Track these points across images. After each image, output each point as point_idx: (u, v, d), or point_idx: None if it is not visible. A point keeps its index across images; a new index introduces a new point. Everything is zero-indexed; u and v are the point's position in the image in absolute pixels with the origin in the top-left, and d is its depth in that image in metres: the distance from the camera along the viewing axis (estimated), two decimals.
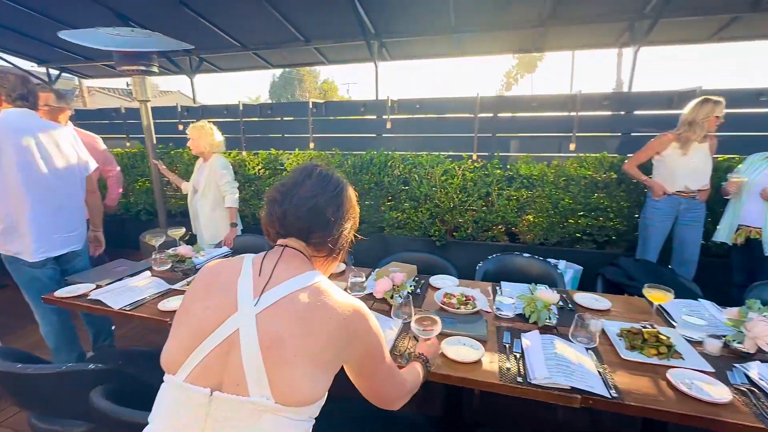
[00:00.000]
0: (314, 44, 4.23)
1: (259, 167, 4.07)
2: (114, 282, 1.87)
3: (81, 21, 3.68)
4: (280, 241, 0.86)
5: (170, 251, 2.03)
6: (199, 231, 2.94)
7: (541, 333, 1.40)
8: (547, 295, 1.49)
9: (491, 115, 3.69)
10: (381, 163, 3.57)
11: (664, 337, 1.32)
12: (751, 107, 3.12)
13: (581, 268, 3.16)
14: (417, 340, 1.28)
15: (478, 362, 1.25)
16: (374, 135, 4.03)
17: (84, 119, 5.33)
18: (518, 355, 1.29)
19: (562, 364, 1.20)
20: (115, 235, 3.76)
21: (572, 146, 3.35)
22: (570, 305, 1.67)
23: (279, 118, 4.40)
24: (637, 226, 2.94)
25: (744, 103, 3.10)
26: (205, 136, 2.78)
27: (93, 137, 2.93)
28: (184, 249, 2.02)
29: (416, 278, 1.99)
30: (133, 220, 4.57)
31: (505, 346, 1.35)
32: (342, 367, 0.79)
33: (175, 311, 1.54)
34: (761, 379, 1.15)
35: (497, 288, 1.86)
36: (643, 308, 1.65)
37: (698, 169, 2.56)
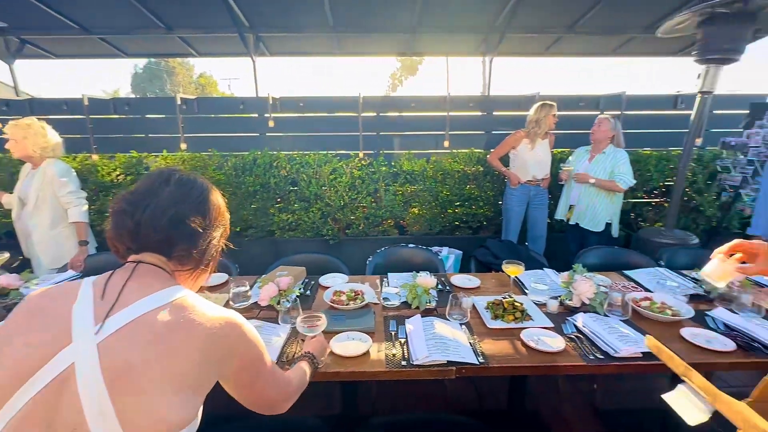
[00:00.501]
0: (178, 33, 3.78)
1: (117, 172, 3.48)
2: None
3: None
4: (132, 258, 0.75)
5: None
6: (33, 253, 2.38)
7: (423, 316, 1.52)
8: (426, 280, 1.62)
9: (374, 114, 3.83)
10: (266, 164, 3.40)
11: (519, 304, 1.55)
12: (574, 110, 3.89)
13: (461, 252, 3.52)
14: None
15: (367, 354, 1.29)
16: (256, 134, 3.82)
17: None
18: (403, 341, 1.37)
19: (440, 342, 1.32)
20: None
21: (446, 143, 3.71)
22: (448, 287, 1.85)
23: (140, 116, 3.82)
24: (501, 211, 3.41)
25: (570, 107, 3.86)
26: (33, 136, 2.25)
27: None
28: (6, 278, 1.60)
29: (305, 280, 1.95)
30: None
31: (391, 334, 1.42)
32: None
33: None
34: (584, 326, 1.44)
35: (384, 280, 1.94)
36: (505, 281, 1.91)
37: (542, 161, 3.09)
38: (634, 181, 2.82)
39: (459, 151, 3.61)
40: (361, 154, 3.68)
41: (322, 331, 1.26)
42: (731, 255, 1.00)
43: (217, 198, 0.84)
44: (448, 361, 1.23)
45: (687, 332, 1.41)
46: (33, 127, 2.26)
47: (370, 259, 2.34)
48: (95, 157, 3.55)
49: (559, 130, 3.76)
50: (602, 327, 1.42)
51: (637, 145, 3.83)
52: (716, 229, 3.47)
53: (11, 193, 2.39)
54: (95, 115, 3.70)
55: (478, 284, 1.88)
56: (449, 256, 3.48)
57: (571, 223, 3.01)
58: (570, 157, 3.12)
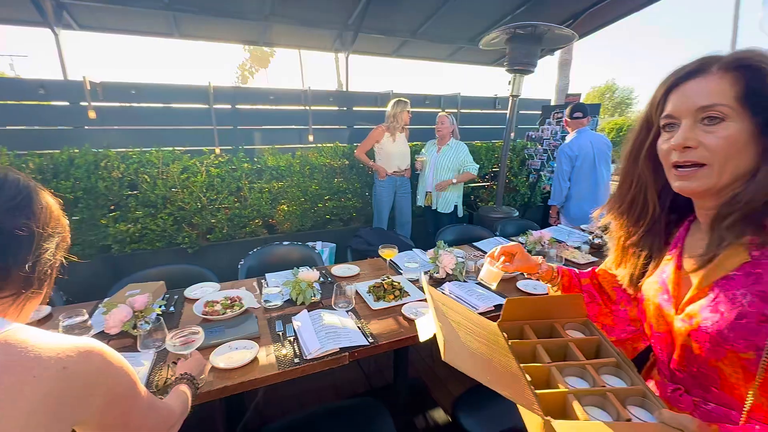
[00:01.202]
0: None
1: None
2: None
3: None
4: None
5: None
6: None
7: (309, 311, 1.50)
8: (308, 274, 1.60)
9: (229, 106, 3.51)
10: (89, 164, 2.74)
11: (396, 283, 1.69)
12: (421, 107, 4.37)
13: (335, 244, 3.58)
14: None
15: (255, 361, 1.20)
16: (70, 127, 3.03)
17: None
18: (292, 339, 1.33)
19: (330, 331, 1.33)
20: None
21: (310, 137, 3.68)
22: (330, 278, 1.86)
23: None
24: (370, 202, 3.60)
25: (418, 104, 4.32)
26: None
27: None
28: None
29: (166, 295, 1.68)
30: None
31: (278, 335, 1.36)
32: None
33: None
34: (451, 293, 1.66)
35: (262, 281, 1.83)
36: (382, 265, 2.04)
37: (403, 153, 3.38)
38: (478, 165, 3.36)
39: (324, 145, 3.63)
40: (217, 150, 3.33)
41: (198, 348, 1.12)
42: (501, 257, 1.10)
43: (47, 199, 0.65)
44: (340, 348, 1.25)
45: (520, 284, 1.78)
46: None
47: (242, 262, 2.16)
48: None
49: (410, 125, 4.19)
50: (464, 291, 1.67)
51: (471, 138, 4.57)
52: (528, 203, 4.45)
53: None
54: None
55: (358, 271, 1.95)
56: (324, 249, 3.50)
57: (432, 207, 3.40)
58: (423, 149, 3.51)
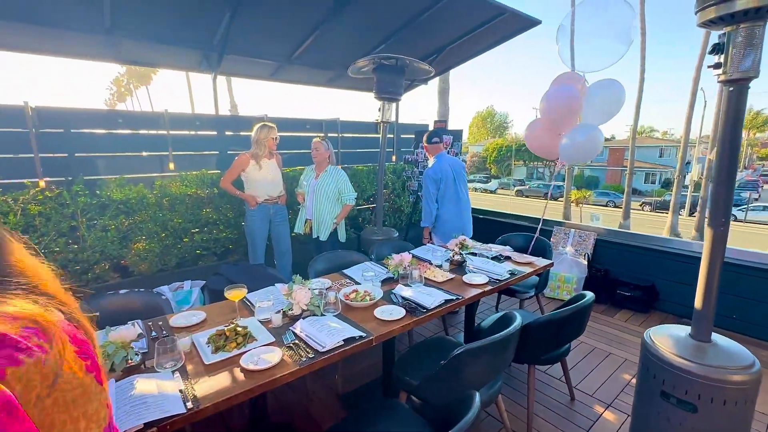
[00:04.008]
0: None
1: None
2: None
3: None
4: None
5: None
6: None
7: (124, 378, 1.25)
8: (122, 334, 1.35)
9: (61, 130, 2.96)
10: None
11: (242, 328, 1.53)
12: (302, 132, 4.31)
13: (205, 282, 3.22)
14: None
15: None
16: None
17: None
18: None
19: (138, 404, 1.11)
20: None
21: (171, 165, 3.30)
22: (164, 332, 1.62)
23: None
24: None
25: (298, 129, 4.25)
26: None
27: None
28: None
29: None
30: None
31: None
32: None
33: None
34: (301, 332, 1.57)
35: None
36: (234, 308, 1.86)
37: (273, 180, 3.23)
38: (356, 193, 3.37)
39: (189, 173, 3.29)
40: (41, 183, 2.75)
41: None
42: None
43: None
44: (145, 423, 1.05)
45: (378, 311, 1.78)
46: None
47: None
48: None
49: (290, 150, 4.08)
50: (316, 327, 1.59)
51: (354, 162, 4.65)
52: (411, 223, 4.67)
53: None
54: None
55: (204, 317, 1.74)
56: (193, 290, 3.12)
57: (313, 236, 3.29)
58: (302, 178, 3.41)
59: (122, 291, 2.02)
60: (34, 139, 2.74)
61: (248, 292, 1.91)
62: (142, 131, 3.28)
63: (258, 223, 3.20)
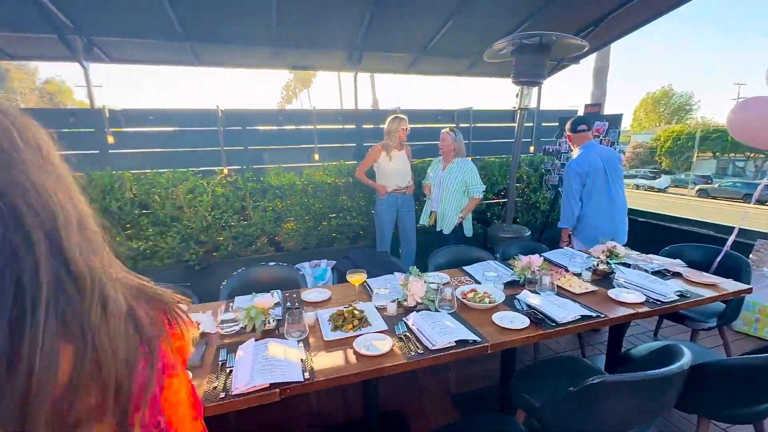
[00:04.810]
0: None
1: None
2: None
3: None
4: None
5: None
6: None
7: (260, 339, 1.46)
8: (263, 301, 1.56)
9: (240, 128, 3.65)
10: (104, 186, 2.95)
11: (358, 312, 1.60)
12: (434, 123, 4.28)
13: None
14: None
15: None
16: (96, 151, 3.29)
17: None
18: (230, 370, 1.29)
19: (268, 364, 1.27)
20: None
21: (316, 156, 3.72)
22: (297, 304, 1.82)
23: None
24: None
25: (430, 120, 4.23)
26: None
27: None
28: None
29: None
30: None
31: (218, 364, 1.33)
32: None
33: None
34: (413, 324, 1.55)
35: (230, 305, 1.83)
36: (356, 290, 1.97)
37: (402, 171, 3.30)
38: (484, 186, 3.19)
39: (329, 163, 3.65)
40: (225, 171, 3.45)
41: None
42: None
43: None
44: (270, 383, 1.19)
45: (497, 316, 1.63)
46: None
47: (224, 283, 2.19)
48: None
49: (422, 141, 4.11)
50: (429, 323, 1.55)
51: (484, 153, 4.39)
52: (549, 221, 4.16)
53: None
54: None
55: (329, 296, 1.89)
56: (327, 269, 3.48)
57: (437, 228, 3.27)
58: (429, 169, 3.39)
59: (271, 263, 2.36)
60: (221, 135, 3.45)
61: (369, 278, 2.00)
62: (295, 127, 3.78)
63: (386, 212, 3.33)
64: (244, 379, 1.19)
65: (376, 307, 1.73)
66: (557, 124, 4.15)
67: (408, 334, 1.50)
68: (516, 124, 3.25)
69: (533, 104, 3.57)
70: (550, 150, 4.07)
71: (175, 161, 3.39)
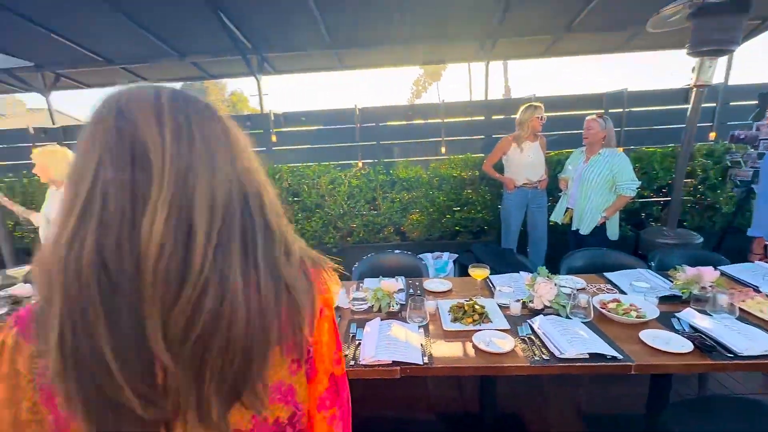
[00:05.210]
0: (191, 59, 4.08)
1: None
2: None
3: None
4: None
5: (4, 293, 1.82)
6: None
7: (385, 319, 1.59)
8: (389, 284, 1.68)
9: (373, 124, 3.95)
10: (270, 177, 3.59)
11: (479, 307, 1.59)
12: (578, 110, 3.81)
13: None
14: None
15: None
16: (264, 148, 4.02)
17: None
18: (358, 342, 1.44)
19: (391, 343, 1.38)
20: None
21: (443, 149, 3.75)
22: (419, 291, 1.90)
23: None
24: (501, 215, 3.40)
25: (573, 107, 3.79)
26: (57, 162, 2.52)
27: None
28: (20, 289, 1.83)
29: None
30: None
31: (350, 336, 1.50)
32: None
33: None
34: (539, 328, 1.45)
35: (360, 285, 2.02)
36: (478, 285, 1.94)
37: (534, 163, 3.06)
38: (639, 182, 2.71)
39: (455, 156, 3.64)
40: (359, 164, 3.79)
41: None
42: None
43: None
44: (393, 361, 1.29)
45: (647, 334, 1.39)
46: (57, 154, 2.53)
47: (356, 265, 2.43)
48: None
49: (558, 131, 3.72)
50: (557, 329, 1.43)
51: (641, 143, 3.71)
52: (732, 228, 3.28)
53: (38, 212, 2.68)
54: None
55: (450, 288, 1.92)
56: (449, 261, 3.50)
57: (572, 227, 2.94)
58: (567, 162, 3.06)
59: (396, 251, 2.52)
60: (358, 131, 3.79)
61: (491, 274, 1.94)
62: (423, 121, 3.89)
63: (514, 207, 3.16)
64: (370, 353, 1.32)
65: (499, 305, 1.68)
66: (756, 102, 3.20)
67: (532, 337, 1.42)
68: (690, 106, 2.64)
69: (716, 79, 2.82)
70: (742, 136, 3.17)
71: (320, 155, 3.88)
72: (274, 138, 3.83)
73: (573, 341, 1.34)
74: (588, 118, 2.80)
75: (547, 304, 1.59)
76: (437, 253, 3.59)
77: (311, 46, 3.82)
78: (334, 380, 0.58)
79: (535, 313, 1.61)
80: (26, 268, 2.09)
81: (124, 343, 0.39)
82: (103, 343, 0.38)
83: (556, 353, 1.29)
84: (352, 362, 1.32)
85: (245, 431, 0.50)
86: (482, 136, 3.91)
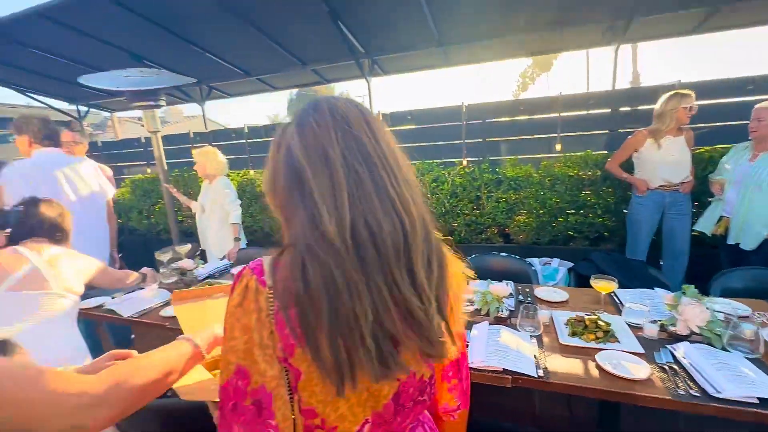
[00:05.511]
0: (311, 66, 4.50)
1: None
2: (128, 293, 2.12)
3: (102, 63, 4.10)
4: None
5: (174, 265, 2.29)
6: (207, 246, 3.21)
7: (492, 324, 1.53)
8: (498, 288, 1.62)
9: (480, 121, 3.82)
10: None
11: (603, 323, 1.42)
12: (740, 96, 3.10)
13: (573, 264, 3.21)
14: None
15: None
16: None
17: (110, 149, 5.83)
18: (466, 344, 1.42)
19: (501, 350, 1.33)
20: (138, 253, 4.13)
21: (558, 146, 3.43)
22: (529, 298, 1.78)
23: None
24: (625, 221, 2.98)
25: (735, 93, 3.10)
26: (211, 160, 3.05)
27: (102, 167, 3.21)
28: (185, 262, 2.27)
29: None
30: (154, 239, 4.95)
31: None
32: None
33: (171, 317, 1.77)
34: (684, 357, 1.24)
35: None
36: (600, 299, 1.73)
37: (676, 162, 2.60)
38: None
39: (572, 154, 3.30)
40: (464, 162, 3.72)
41: None
42: None
43: None
44: (504, 369, 1.24)
45: None
46: (210, 153, 3.07)
47: None
48: (252, 172, 4.51)
49: (709, 122, 3.09)
50: (710, 361, 1.20)
51: None
52: None
53: (196, 201, 3.27)
54: (252, 140, 4.72)
55: (566, 298, 1.76)
56: (559, 269, 3.21)
57: (728, 241, 2.43)
58: (723, 160, 2.52)
59: (503, 254, 2.41)
60: (464, 129, 3.72)
61: (618, 288, 1.72)
62: (536, 116, 3.61)
63: (646, 213, 2.73)
64: (480, 356, 1.29)
65: (628, 324, 1.48)
66: None
67: (675, 366, 1.22)
68: None
69: None
70: None
71: (425, 153, 3.92)
72: None
73: (734, 379, 1.11)
74: (758, 106, 2.27)
75: (695, 330, 1.34)
76: (546, 259, 3.32)
77: (420, 45, 3.87)
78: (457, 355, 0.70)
79: (677, 339, 1.37)
80: (188, 246, 2.58)
81: (378, 296, 0.54)
82: (362, 297, 0.52)
83: (710, 390, 1.09)
84: None
85: (401, 380, 0.63)
86: (605, 131, 3.47)
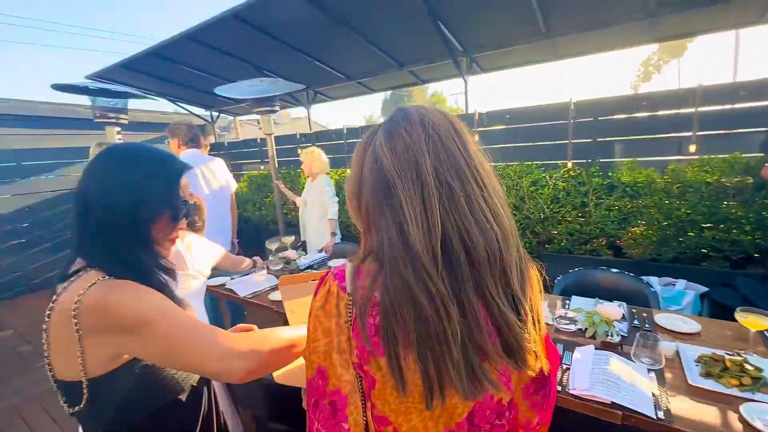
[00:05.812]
0: (408, 68, 4.57)
1: None
2: (243, 276, 2.44)
3: (231, 74, 4.75)
4: None
5: (280, 255, 2.55)
6: (307, 238, 3.51)
7: (598, 348, 1.37)
8: (609, 310, 1.44)
9: (590, 119, 3.44)
10: None
11: (752, 368, 1.17)
12: None
13: (706, 289, 2.69)
14: None
15: None
16: None
17: (234, 149, 6.74)
18: (565, 367, 1.30)
19: (609, 380, 1.19)
20: (251, 239, 4.71)
21: (692, 147, 2.90)
22: (647, 324, 1.55)
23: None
24: None
25: None
26: (315, 159, 3.32)
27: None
28: (290, 253, 2.51)
29: None
30: (264, 228, 5.59)
31: None
32: None
33: (278, 301, 1.98)
34: None
35: (566, 302, 1.82)
36: (745, 336, 1.42)
37: None
38: None
39: (713, 157, 2.76)
40: (569, 164, 3.39)
41: None
42: None
43: None
44: (612, 402, 1.10)
45: None
46: (315, 153, 3.34)
47: (559, 278, 2.20)
48: (349, 171, 4.78)
49: None
50: None
51: None
52: None
53: (299, 196, 3.59)
54: (350, 140, 5.00)
55: (697, 330, 1.48)
56: (687, 292, 2.72)
57: None
58: None
59: (614, 270, 2.14)
60: (570, 128, 3.38)
61: None
62: (663, 111, 3.10)
63: None
64: (583, 384, 1.17)
65: None
66: None
67: None
68: None
69: None
70: None
71: (524, 154, 3.68)
72: (477, 137, 3.86)
73: None
74: None
75: None
76: (668, 279, 2.85)
77: (523, 39, 3.63)
78: (541, 372, 0.62)
79: None
80: (292, 237, 2.85)
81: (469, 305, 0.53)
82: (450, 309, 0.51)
83: None
84: (558, 387, 1.20)
85: (478, 400, 0.59)
86: (761, 129, 2.81)
